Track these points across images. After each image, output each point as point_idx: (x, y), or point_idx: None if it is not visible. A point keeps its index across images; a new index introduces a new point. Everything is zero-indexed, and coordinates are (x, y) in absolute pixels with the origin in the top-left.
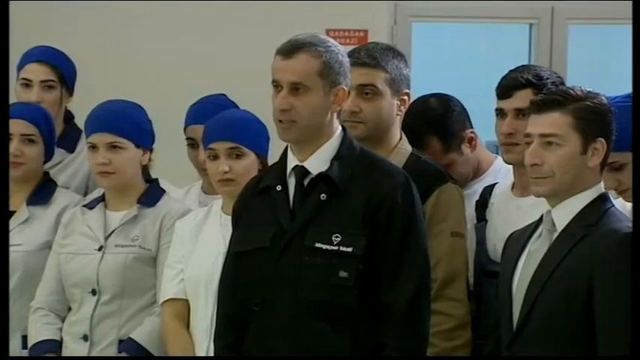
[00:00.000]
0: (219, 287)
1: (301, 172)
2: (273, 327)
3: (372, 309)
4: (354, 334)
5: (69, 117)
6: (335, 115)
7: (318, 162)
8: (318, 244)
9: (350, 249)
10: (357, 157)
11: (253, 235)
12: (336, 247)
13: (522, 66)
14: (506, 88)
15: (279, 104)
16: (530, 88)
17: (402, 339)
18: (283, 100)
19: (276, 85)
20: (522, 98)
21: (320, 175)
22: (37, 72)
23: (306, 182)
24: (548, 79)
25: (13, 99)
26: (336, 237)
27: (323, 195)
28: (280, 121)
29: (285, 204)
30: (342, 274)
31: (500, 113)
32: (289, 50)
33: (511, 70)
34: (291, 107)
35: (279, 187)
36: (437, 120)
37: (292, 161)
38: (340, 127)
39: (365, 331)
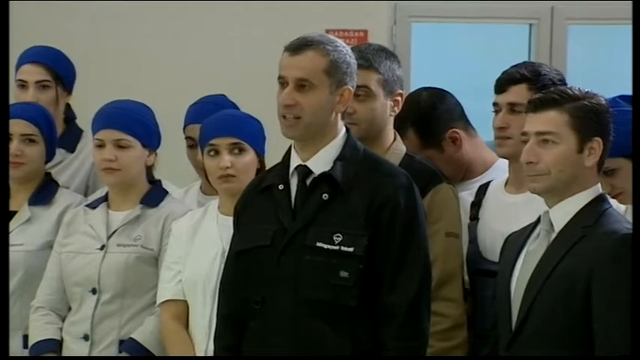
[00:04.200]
0: (220, 287)
1: (304, 171)
2: (273, 325)
3: (372, 309)
4: (353, 334)
5: (70, 117)
6: (339, 115)
7: (321, 162)
8: (319, 244)
9: (351, 249)
10: (360, 158)
11: (254, 234)
12: (337, 247)
13: (523, 62)
14: (502, 82)
15: (283, 100)
16: (525, 83)
17: (403, 340)
18: (288, 95)
19: (282, 81)
20: (516, 93)
21: (323, 174)
22: (32, 73)
23: (308, 182)
24: (545, 75)
25: (13, 100)
26: (338, 237)
27: (325, 195)
28: (284, 117)
29: (287, 203)
30: (343, 274)
31: (496, 108)
32: (297, 47)
33: (512, 66)
34: (296, 103)
35: (281, 186)
36: (419, 113)
37: (295, 160)
38: (344, 128)
39: (364, 331)
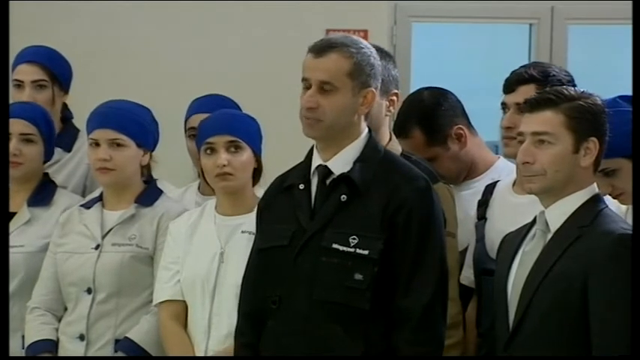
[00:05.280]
0: (242, 284)
1: (324, 171)
2: (288, 325)
3: (386, 313)
4: (366, 337)
5: (67, 116)
6: (362, 116)
7: (341, 162)
8: (335, 245)
9: (366, 252)
10: (379, 159)
11: (274, 233)
12: (352, 250)
13: (533, 62)
14: (511, 82)
15: (306, 102)
16: (534, 83)
17: (417, 345)
18: (311, 98)
19: (306, 82)
20: (525, 93)
21: (342, 175)
22: (28, 72)
23: (328, 182)
24: (554, 76)
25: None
26: (354, 239)
27: (343, 196)
28: (306, 117)
29: (307, 203)
30: (357, 276)
31: (504, 107)
32: (321, 49)
33: (521, 66)
34: (318, 106)
35: (301, 186)
36: (423, 112)
37: (316, 160)
38: (367, 129)
39: (378, 334)
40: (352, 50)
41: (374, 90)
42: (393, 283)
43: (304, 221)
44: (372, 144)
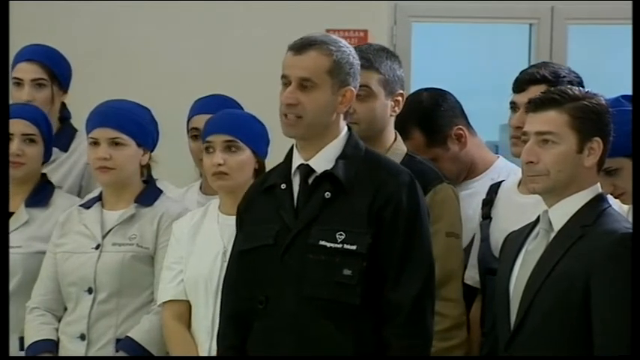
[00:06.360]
0: (223, 287)
1: (306, 170)
2: (276, 324)
3: (376, 308)
4: (357, 332)
5: (66, 116)
6: (341, 115)
7: (323, 161)
8: (322, 242)
9: (354, 247)
10: (362, 156)
11: (258, 233)
12: (340, 245)
13: (543, 62)
14: (522, 82)
15: (285, 99)
16: (545, 84)
17: (406, 338)
18: (290, 94)
19: (285, 80)
20: (535, 93)
21: (325, 173)
22: (27, 71)
23: (310, 180)
24: (565, 77)
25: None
26: (340, 235)
27: (327, 193)
28: (286, 116)
29: (290, 202)
30: (346, 272)
31: (513, 107)
32: (301, 46)
33: (531, 66)
34: (298, 102)
35: (283, 186)
36: (422, 113)
37: (297, 160)
38: (346, 127)
39: (369, 329)
40: (332, 48)
41: (353, 89)
42: (381, 277)
43: (288, 220)
44: (353, 142)
